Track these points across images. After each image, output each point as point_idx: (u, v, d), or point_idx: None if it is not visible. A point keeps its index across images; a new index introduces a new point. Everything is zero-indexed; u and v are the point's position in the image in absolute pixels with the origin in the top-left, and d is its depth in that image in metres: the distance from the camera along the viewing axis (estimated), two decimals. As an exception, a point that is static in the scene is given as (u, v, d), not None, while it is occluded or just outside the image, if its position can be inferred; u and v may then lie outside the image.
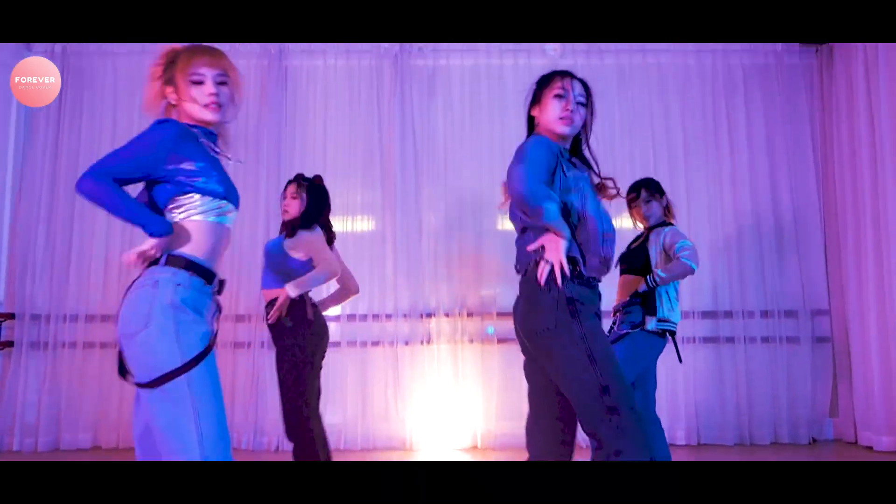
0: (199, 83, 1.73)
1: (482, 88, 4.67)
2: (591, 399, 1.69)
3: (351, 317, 4.44)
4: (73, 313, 4.43)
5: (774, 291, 4.50)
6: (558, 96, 1.96)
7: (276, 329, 2.76)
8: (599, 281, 1.93)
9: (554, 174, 1.87)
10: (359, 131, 4.65)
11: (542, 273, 1.76)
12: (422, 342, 4.42)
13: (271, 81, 4.62)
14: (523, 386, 2.00)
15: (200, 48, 1.79)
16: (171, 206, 1.69)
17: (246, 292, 4.38)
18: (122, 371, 1.68)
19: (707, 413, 4.41)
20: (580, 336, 1.74)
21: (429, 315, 4.45)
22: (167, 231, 1.64)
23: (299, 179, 2.99)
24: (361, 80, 4.70)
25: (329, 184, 4.52)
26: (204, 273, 1.69)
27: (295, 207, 2.91)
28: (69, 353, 4.41)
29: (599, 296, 1.94)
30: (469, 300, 4.46)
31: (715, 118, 4.65)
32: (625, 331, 2.77)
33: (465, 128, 4.66)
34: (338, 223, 4.50)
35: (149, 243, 1.63)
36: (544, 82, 2.03)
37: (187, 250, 1.67)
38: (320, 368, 2.86)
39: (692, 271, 2.76)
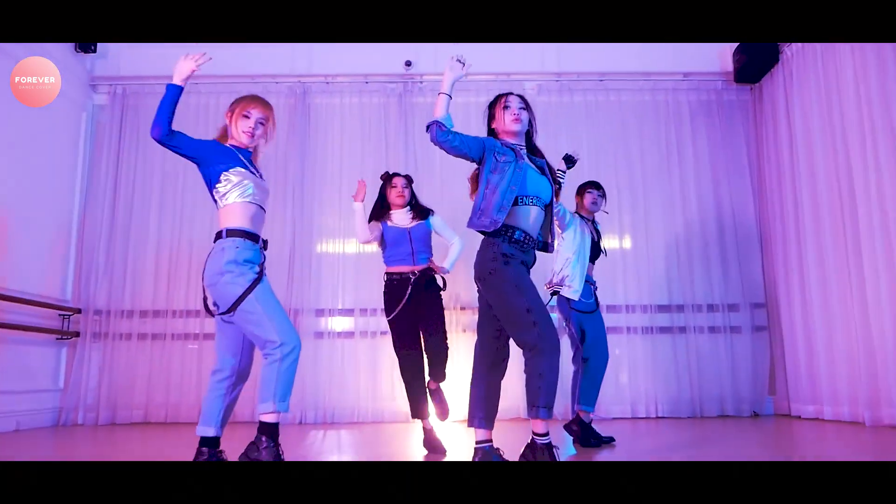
0: (247, 117, 2.53)
1: (472, 122, 5.53)
2: (519, 317, 2.41)
3: (363, 311, 5.25)
4: (129, 309, 5.26)
5: (719, 288, 5.30)
6: (506, 107, 2.65)
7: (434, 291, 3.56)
8: (531, 245, 2.57)
9: (483, 156, 2.60)
10: (369, 159, 5.50)
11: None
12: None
13: (298, 116, 5.53)
14: (511, 371, 2.67)
15: (259, 98, 2.61)
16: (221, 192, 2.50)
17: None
18: (207, 308, 2.50)
19: (665, 392, 5.18)
20: (511, 277, 2.46)
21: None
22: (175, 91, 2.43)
23: (402, 175, 3.68)
24: (372, 115, 5.59)
25: (345, 205, 5.45)
26: (251, 237, 2.48)
27: (408, 196, 3.61)
28: (125, 344, 5.22)
29: (534, 256, 2.62)
30: (462, 295, 5.27)
31: (667, 144, 5.53)
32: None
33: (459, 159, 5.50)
34: (351, 246, 5.36)
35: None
36: (493, 104, 2.72)
37: (238, 224, 2.47)
38: None
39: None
